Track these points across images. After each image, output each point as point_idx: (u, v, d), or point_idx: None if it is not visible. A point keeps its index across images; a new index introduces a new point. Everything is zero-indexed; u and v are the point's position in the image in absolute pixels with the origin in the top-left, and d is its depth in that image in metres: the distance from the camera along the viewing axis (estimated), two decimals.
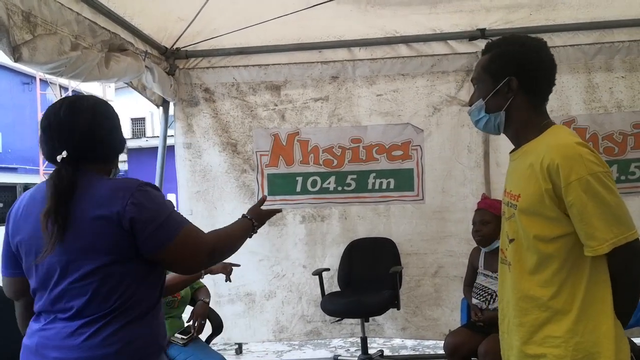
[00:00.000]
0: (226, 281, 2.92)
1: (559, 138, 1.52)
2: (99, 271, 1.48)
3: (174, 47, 4.03)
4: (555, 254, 1.49)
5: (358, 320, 4.03)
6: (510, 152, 1.68)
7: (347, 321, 4.18)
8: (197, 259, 1.63)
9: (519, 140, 1.63)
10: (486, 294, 3.12)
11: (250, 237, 1.90)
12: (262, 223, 1.96)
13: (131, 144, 14.81)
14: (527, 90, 1.58)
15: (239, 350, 4.61)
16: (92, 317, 1.48)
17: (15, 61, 2.31)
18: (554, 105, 3.92)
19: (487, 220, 3.16)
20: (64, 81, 17.30)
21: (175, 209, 1.62)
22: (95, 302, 1.49)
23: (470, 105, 1.70)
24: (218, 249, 1.69)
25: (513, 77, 1.57)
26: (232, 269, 2.96)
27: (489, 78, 1.61)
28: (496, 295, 3.07)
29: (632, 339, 1.75)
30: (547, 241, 1.49)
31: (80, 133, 1.54)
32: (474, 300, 3.18)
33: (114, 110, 1.67)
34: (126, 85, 3.84)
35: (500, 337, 1.73)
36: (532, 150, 1.55)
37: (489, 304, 3.09)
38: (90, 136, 1.56)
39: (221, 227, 1.84)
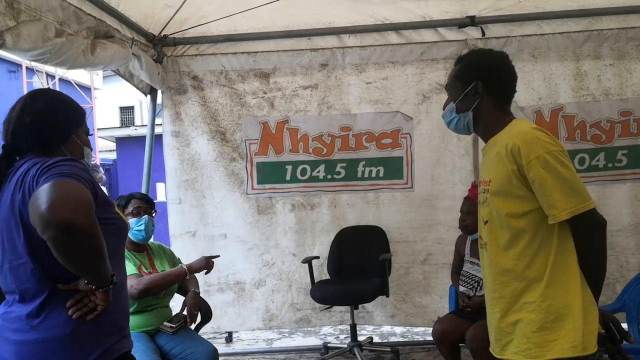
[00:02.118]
0: (206, 274, 3.07)
1: (519, 127, 1.75)
2: (30, 247, 1.49)
3: (162, 34, 3.98)
4: (526, 228, 1.67)
5: (347, 308, 4.05)
6: (482, 149, 1.90)
7: (337, 309, 4.20)
8: (56, 211, 1.33)
9: (487, 136, 1.85)
10: (473, 282, 3.14)
11: (101, 285, 1.53)
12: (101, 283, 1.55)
13: (120, 132, 14.67)
14: (491, 92, 1.80)
15: (229, 339, 4.62)
16: (43, 297, 1.51)
17: None
18: (542, 93, 3.95)
19: (472, 211, 3.18)
20: (50, 69, 17.05)
21: (75, 172, 1.47)
22: (35, 281, 1.51)
23: (444, 110, 1.91)
24: (82, 219, 1.37)
25: (479, 82, 1.79)
26: (213, 263, 3.04)
27: (459, 84, 1.84)
28: (483, 283, 3.09)
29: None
30: (518, 217, 1.67)
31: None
32: (461, 288, 3.21)
33: (49, 98, 1.69)
34: (114, 73, 3.80)
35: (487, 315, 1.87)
36: (497, 141, 1.76)
37: (475, 291, 3.11)
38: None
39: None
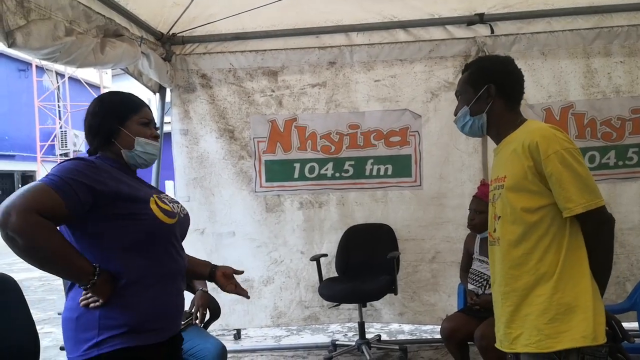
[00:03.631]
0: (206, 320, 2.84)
1: (535, 125, 1.84)
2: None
3: (170, 32, 4.00)
4: (540, 222, 1.72)
5: (356, 306, 4.05)
6: (494, 150, 1.96)
7: (345, 306, 4.20)
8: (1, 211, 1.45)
9: (500, 137, 1.91)
10: (482, 280, 3.13)
11: (82, 282, 1.59)
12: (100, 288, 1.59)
13: None
14: (503, 94, 1.87)
15: (237, 336, 4.64)
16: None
17: (9, 47, 2.29)
18: (552, 91, 3.92)
19: (481, 210, 3.16)
20: (60, 68, 17.16)
21: (72, 175, 1.56)
22: None
23: (456, 115, 1.98)
24: (15, 221, 1.43)
25: (491, 84, 1.85)
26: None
27: (470, 88, 1.91)
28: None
29: (624, 323, 1.89)
30: (532, 211, 1.73)
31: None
32: (470, 286, 3.20)
33: (96, 102, 1.84)
34: (123, 71, 3.82)
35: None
36: (513, 139, 1.83)
37: (484, 289, 3.10)
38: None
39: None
